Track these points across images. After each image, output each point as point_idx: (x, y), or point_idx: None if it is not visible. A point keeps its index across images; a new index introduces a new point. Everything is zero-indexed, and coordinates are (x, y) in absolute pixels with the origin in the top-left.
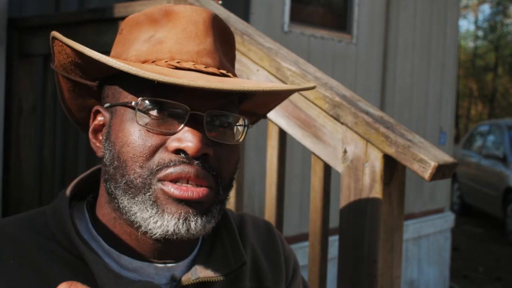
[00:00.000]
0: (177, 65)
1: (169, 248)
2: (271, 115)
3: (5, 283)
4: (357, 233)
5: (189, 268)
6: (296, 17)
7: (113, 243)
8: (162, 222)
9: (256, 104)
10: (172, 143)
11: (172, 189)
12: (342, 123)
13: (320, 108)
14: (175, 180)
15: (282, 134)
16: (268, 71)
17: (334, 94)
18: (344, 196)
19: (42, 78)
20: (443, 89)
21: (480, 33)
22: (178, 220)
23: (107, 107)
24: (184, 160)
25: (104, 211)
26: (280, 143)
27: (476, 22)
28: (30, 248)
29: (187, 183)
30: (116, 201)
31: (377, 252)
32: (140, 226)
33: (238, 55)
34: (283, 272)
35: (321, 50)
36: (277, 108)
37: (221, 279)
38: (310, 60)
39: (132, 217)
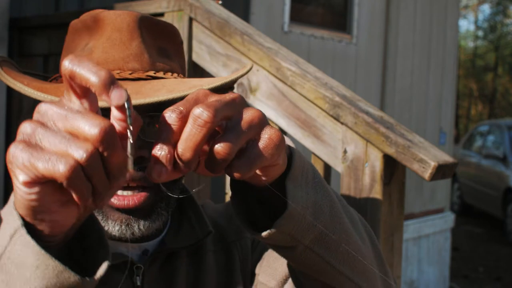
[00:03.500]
0: None
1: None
2: (271, 115)
3: None
4: None
5: (160, 243)
6: (296, 17)
7: None
8: (108, 228)
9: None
10: None
11: (112, 199)
12: (342, 123)
13: (320, 108)
14: None
15: None
16: (268, 71)
17: (334, 94)
18: (344, 196)
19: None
20: (443, 89)
21: (480, 33)
22: (121, 226)
23: None
24: None
25: None
26: None
27: (476, 22)
28: None
29: (128, 186)
30: None
31: None
32: None
33: (238, 55)
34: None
35: (321, 50)
36: (277, 108)
37: (187, 247)
38: (310, 60)
39: None
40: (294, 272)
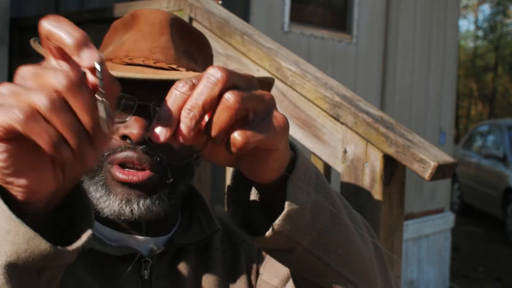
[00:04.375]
0: (129, 61)
1: (147, 225)
2: None
3: None
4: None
5: (169, 241)
6: (296, 17)
7: (98, 218)
8: (109, 202)
9: None
10: (120, 130)
11: (117, 172)
12: (342, 123)
13: (320, 108)
14: (121, 163)
15: None
16: (268, 71)
17: (334, 94)
18: (344, 196)
19: None
20: (443, 89)
21: (480, 33)
22: (121, 201)
23: None
24: (129, 146)
25: None
26: None
27: (476, 22)
28: None
29: (133, 167)
30: (83, 183)
31: None
32: (95, 206)
33: (238, 55)
34: None
35: (321, 50)
36: (277, 108)
37: (195, 243)
38: (310, 60)
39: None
40: (294, 277)
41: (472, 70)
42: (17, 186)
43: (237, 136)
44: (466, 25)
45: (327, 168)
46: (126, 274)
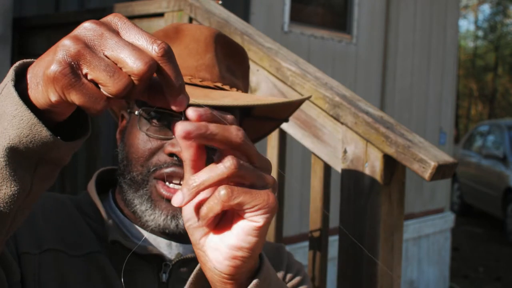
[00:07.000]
0: None
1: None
2: None
3: (51, 226)
4: (357, 233)
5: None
6: (296, 17)
7: (129, 216)
8: (154, 216)
9: (268, 111)
10: (167, 147)
11: (162, 189)
12: (342, 123)
13: (320, 108)
14: (168, 177)
15: (282, 134)
16: (268, 71)
17: (334, 94)
18: (344, 196)
19: None
20: (443, 89)
21: (480, 33)
22: (167, 216)
23: (129, 113)
24: (176, 162)
25: (119, 197)
26: (280, 143)
27: (476, 22)
28: (69, 209)
29: (179, 182)
30: (123, 194)
31: (377, 252)
32: (140, 217)
33: None
34: (281, 273)
35: (321, 50)
36: None
37: None
38: (310, 60)
39: (134, 208)
40: None
41: (472, 70)
42: (65, 101)
43: (221, 189)
44: (466, 25)
45: (327, 168)
46: (145, 274)
